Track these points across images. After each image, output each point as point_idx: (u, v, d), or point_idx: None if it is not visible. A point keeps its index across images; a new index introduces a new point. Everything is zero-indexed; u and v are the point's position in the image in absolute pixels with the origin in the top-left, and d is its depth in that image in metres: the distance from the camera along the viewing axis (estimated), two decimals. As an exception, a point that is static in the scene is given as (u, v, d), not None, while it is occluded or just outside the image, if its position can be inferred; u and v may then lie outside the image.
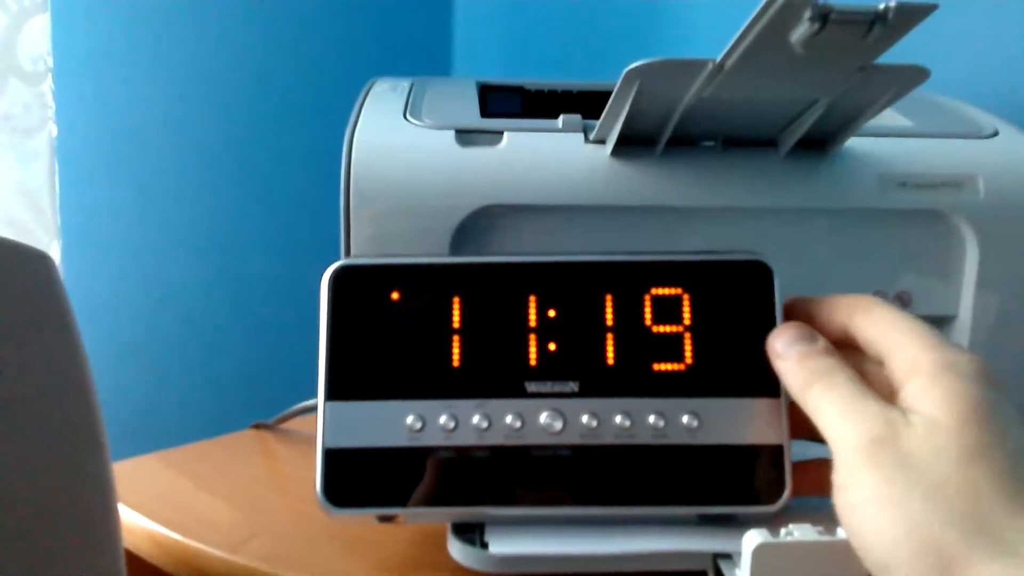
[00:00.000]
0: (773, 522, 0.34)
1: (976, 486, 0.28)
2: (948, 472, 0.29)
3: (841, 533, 0.32)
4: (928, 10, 0.34)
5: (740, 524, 0.36)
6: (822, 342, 0.35)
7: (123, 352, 0.87)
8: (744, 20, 0.34)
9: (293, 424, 0.61)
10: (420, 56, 1.05)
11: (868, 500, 0.29)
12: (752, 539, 0.32)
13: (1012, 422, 0.30)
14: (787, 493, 0.36)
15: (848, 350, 0.36)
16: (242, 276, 0.95)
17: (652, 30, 0.86)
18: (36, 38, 0.66)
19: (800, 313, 0.37)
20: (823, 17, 0.33)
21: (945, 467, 0.29)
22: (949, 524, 0.27)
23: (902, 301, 0.47)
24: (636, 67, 0.38)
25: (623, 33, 0.89)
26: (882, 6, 0.34)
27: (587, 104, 0.58)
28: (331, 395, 0.37)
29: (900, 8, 0.33)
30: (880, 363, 0.34)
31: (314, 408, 0.58)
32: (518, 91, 0.59)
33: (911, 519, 0.28)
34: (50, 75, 0.69)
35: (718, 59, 0.37)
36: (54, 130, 0.70)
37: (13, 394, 0.30)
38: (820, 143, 0.45)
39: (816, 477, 0.36)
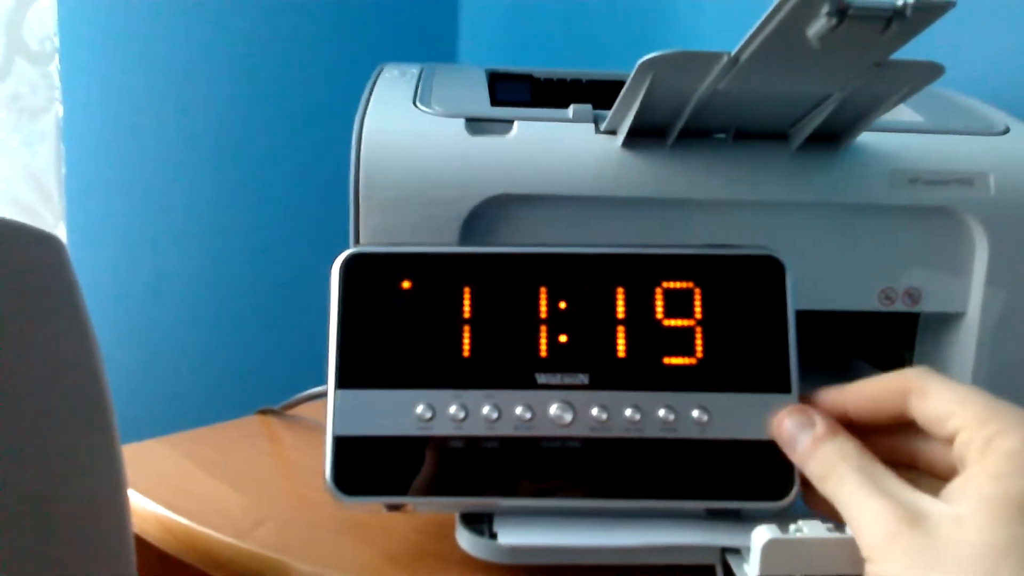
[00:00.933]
0: (782, 518, 0.34)
1: None
2: (971, 566, 0.27)
3: (851, 530, 0.32)
4: (946, 7, 0.34)
5: (748, 519, 0.36)
6: (821, 425, 0.34)
7: (127, 335, 0.87)
8: (752, 8, 0.34)
9: (299, 410, 0.61)
10: (426, 41, 1.05)
11: None
12: (762, 535, 0.32)
13: None
14: (796, 489, 0.36)
15: (901, 432, 0.35)
16: (249, 260, 0.95)
17: (658, 18, 0.86)
18: (43, 18, 0.66)
19: (842, 404, 0.35)
20: (841, 12, 0.33)
21: (968, 561, 0.27)
22: None
23: (911, 297, 0.47)
24: (650, 59, 0.38)
25: (628, 21, 0.89)
26: (900, 2, 0.33)
27: (596, 93, 0.58)
28: (341, 383, 0.37)
29: (919, 5, 0.33)
30: (945, 440, 0.32)
31: (320, 395, 0.58)
32: (527, 79, 0.58)
33: None
34: (57, 55, 0.68)
35: (733, 52, 0.37)
36: (60, 111, 0.70)
37: (23, 377, 0.30)
38: (832, 137, 0.45)
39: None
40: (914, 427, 0.34)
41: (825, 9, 0.33)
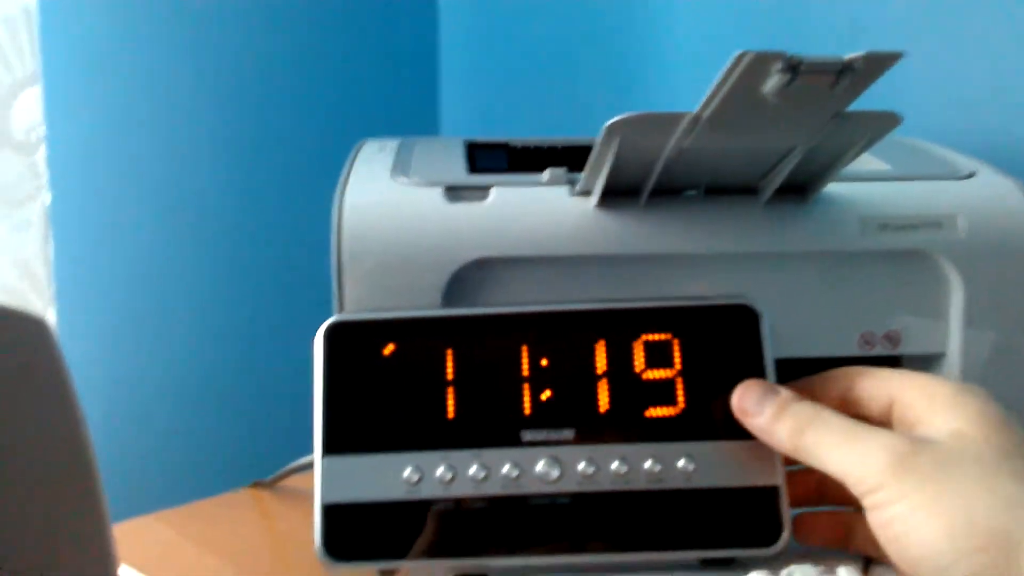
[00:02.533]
0: (774, 563, 0.34)
1: (1020, 474, 0.29)
2: (987, 469, 0.29)
3: (842, 572, 0.32)
4: (895, 58, 0.35)
5: (741, 566, 0.36)
6: (786, 391, 0.36)
7: (119, 416, 0.87)
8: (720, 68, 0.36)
9: (291, 481, 0.61)
10: (407, 115, 1.08)
11: (912, 508, 0.29)
12: (752, 580, 0.32)
13: None
14: (786, 534, 0.37)
15: None
16: (237, 334, 0.96)
17: (634, 85, 0.89)
18: (28, 108, 0.68)
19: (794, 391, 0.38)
20: (793, 68, 0.35)
21: (983, 466, 0.30)
22: (1004, 510, 0.28)
23: (890, 341, 0.48)
24: (616, 121, 0.39)
25: (605, 89, 0.92)
26: (849, 56, 0.35)
27: (571, 158, 0.59)
28: (328, 450, 0.38)
29: (868, 57, 0.35)
30: (881, 423, 0.35)
31: (310, 465, 0.58)
32: (504, 148, 0.60)
33: (964, 513, 0.28)
34: (43, 145, 0.70)
35: (695, 111, 0.38)
36: (47, 199, 0.71)
37: (10, 456, 0.30)
38: (800, 189, 0.47)
39: (825, 527, 0.36)
40: None
41: (777, 66, 0.35)
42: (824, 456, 0.33)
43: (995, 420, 0.31)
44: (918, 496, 0.29)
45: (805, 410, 0.35)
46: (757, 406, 0.36)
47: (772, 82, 0.35)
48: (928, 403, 0.33)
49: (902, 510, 0.30)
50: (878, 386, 0.36)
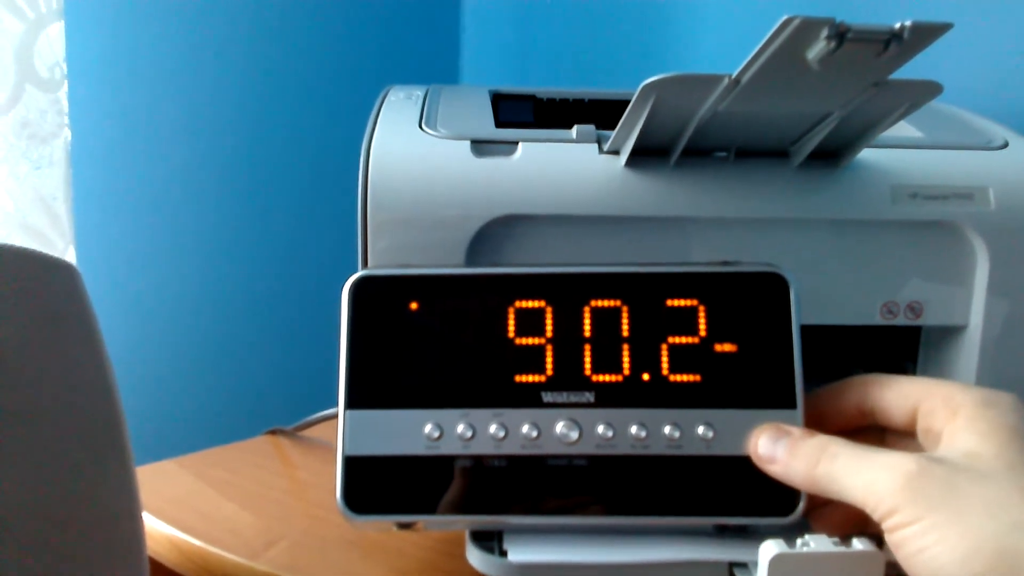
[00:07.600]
0: (789, 532, 0.34)
1: None
2: (1001, 486, 0.29)
3: (857, 544, 0.33)
4: (943, 29, 0.34)
5: (756, 534, 0.36)
6: (798, 429, 0.36)
7: (137, 358, 0.87)
8: (751, 31, 0.35)
9: (309, 430, 0.62)
10: (429, 63, 1.06)
11: (926, 528, 0.29)
12: (769, 549, 0.33)
13: None
14: (802, 504, 0.37)
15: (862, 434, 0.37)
16: (258, 282, 0.96)
17: (657, 38, 0.87)
18: (52, 45, 0.67)
19: (808, 405, 0.38)
20: (840, 36, 0.34)
21: (991, 485, 0.29)
22: (1011, 530, 0.28)
23: (913, 311, 0.48)
24: (653, 82, 0.38)
25: (628, 42, 0.90)
26: (898, 25, 0.34)
27: (598, 113, 0.59)
28: (351, 403, 0.38)
29: (916, 27, 0.34)
30: (905, 433, 0.35)
31: (330, 416, 0.59)
32: (530, 99, 0.59)
33: (978, 532, 0.28)
34: (66, 82, 0.69)
35: (734, 74, 0.37)
36: (69, 136, 0.70)
37: (39, 403, 0.31)
38: (833, 154, 0.46)
39: (839, 517, 0.37)
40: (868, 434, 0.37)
41: (824, 33, 0.34)
42: (839, 487, 0.33)
43: (1012, 432, 0.31)
44: (930, 518, 0.29)
45: (815, 445, 0.34)
46: (771, 452, 0.36)
47: (817, 48, 0.34)
48: (950, 413, 0.33)
49: (916, 531, 0.30)
50: (902, 394, 0.35)
